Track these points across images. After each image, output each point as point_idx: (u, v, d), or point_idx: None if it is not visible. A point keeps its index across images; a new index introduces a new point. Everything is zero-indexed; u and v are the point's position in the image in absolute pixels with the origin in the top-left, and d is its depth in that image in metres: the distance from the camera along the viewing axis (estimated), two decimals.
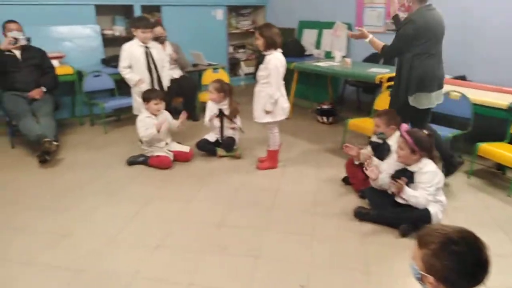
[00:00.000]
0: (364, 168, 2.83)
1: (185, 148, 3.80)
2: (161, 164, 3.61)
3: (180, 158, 3.75)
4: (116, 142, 4.29)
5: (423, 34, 2.92)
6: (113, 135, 4.54)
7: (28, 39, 4.07)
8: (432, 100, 3.06)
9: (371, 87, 5.40)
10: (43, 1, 4.74)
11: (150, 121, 3.59)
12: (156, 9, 5.72)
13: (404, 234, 2.54)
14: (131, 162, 3.70)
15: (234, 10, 6.77)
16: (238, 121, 3.89)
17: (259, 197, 3.10)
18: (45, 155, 3.60)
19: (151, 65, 3.86)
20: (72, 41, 5.01)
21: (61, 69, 4.49)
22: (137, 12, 5.46)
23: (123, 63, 3.82)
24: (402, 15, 3.31)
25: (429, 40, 2.96)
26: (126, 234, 2.59)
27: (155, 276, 2.17)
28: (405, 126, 2.63)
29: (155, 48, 3.93)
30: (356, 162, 3.16)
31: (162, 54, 4.04)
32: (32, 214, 2.82)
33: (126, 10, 5.64)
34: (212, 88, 3.72)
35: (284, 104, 3.43)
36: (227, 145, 3.87)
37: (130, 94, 4.37)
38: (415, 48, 2.94)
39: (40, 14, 4.76)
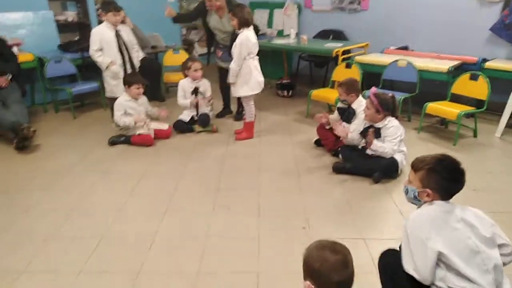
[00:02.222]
0: (333, 131, 3.26)
1: (164, 126, 3.96)
2: (144, 142, 3.74)
3: (160, 135, 3.90)
4: (89, 126, 4.32)
5: None
6: (83, 120, 4.54)
7: None
8: None
9: (322, 62, 5.88)
10: None
11: (129, 105, 3.71)
12: None
13: (377, 181, 3.00)
14: (113, 142, 3.79)
15: None
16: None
17: (244, 163, 3.40)
18: (24, 142, 3.58)
19: (122, 47, 3.93)
20: (26, 28, 4.84)
21: (21, 57, 4.37)
22: None
23: (94, 46, 3.85)
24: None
25: None
26: (132, 204, 2.77)
27: (173, 235, 2.41)
28: (373, 89, 3.05)
29: (124, 31, 4.00)
30: (327, 127, 3.56)
31: (131, 36, 4.11)
32: (34, 195, 2.88)
33: None
34: (198, 65, 3.91)
35: (259, 78, 3.72)
36: (203, 121, 4.09)
37: (93, 78, 4.36)
38: None
39: None
